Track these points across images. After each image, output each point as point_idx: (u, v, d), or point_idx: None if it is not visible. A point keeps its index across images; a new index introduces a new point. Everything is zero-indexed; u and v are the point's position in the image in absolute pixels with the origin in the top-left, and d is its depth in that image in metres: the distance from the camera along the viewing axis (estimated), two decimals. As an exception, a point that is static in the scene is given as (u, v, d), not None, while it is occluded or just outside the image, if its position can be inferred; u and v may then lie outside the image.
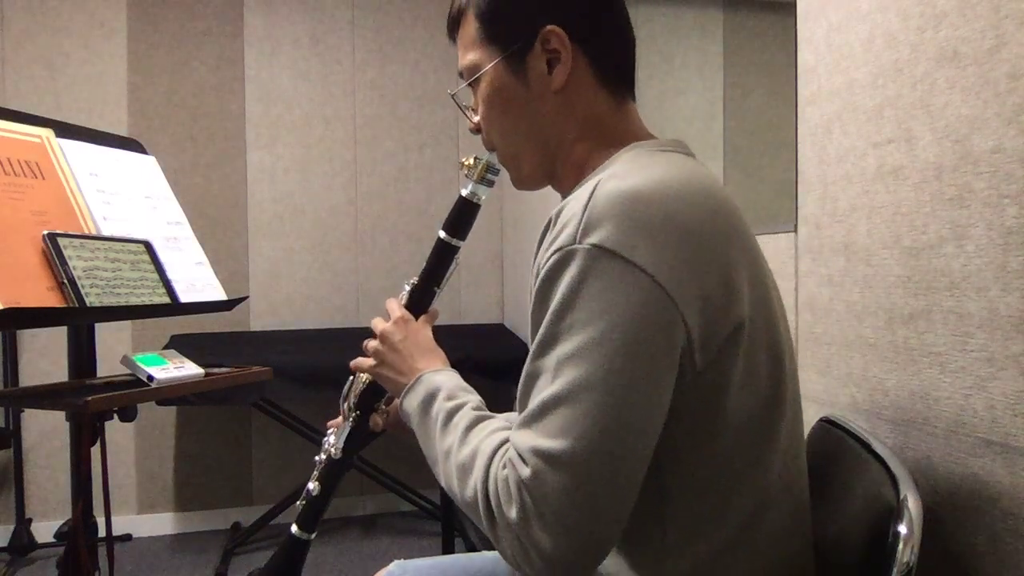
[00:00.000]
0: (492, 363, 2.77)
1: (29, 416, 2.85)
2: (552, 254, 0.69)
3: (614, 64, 0.85)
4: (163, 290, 1.36)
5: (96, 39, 2.96)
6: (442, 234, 1.00)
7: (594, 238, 0.66)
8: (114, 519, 1.53)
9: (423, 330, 0.98)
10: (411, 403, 0.87)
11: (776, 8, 1.38)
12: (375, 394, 1.02)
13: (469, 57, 0.87)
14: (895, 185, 0.99)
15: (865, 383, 1.06)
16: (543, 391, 0.67)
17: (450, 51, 3.37)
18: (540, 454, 0.64)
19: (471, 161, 0.97)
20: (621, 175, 0.71)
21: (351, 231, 3.26)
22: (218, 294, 1.51)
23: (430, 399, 0.84)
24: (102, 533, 1.32)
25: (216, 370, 1.43)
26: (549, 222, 0.74)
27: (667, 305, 0.65)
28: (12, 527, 2.76)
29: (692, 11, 2.01)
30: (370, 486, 3.15)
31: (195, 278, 1.47)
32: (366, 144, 3.27)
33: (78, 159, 1.37)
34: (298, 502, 1.06)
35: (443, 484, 0.78)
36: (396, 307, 0.99)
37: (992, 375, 0.83)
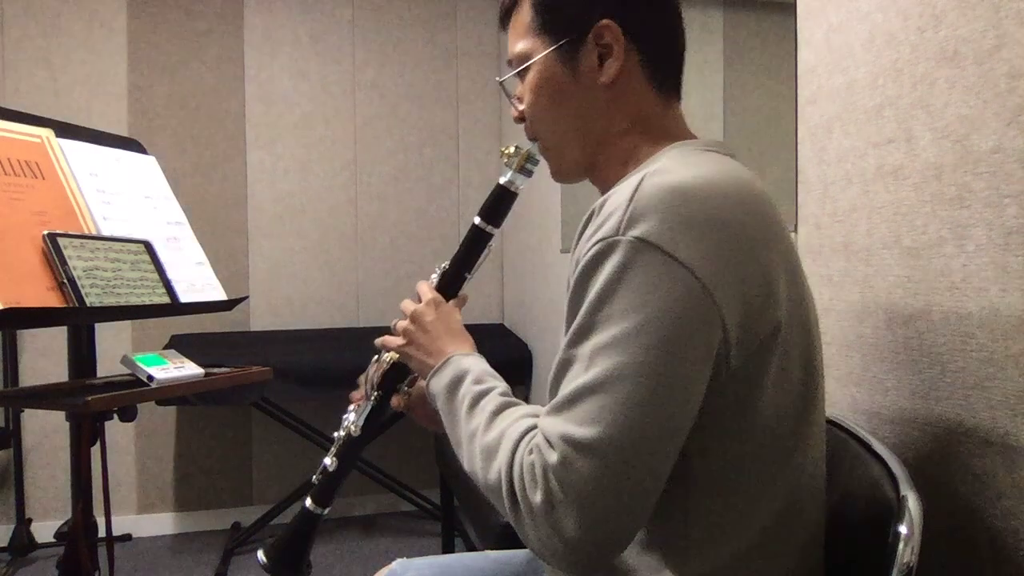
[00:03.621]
0: (492, 363, 2.75)
1: (29, 416, 2.85)
2: (594, 244, 0.69)
3: (664, 62, 0.86)
4: (163, 290, 1.36)
5: (96, 39, 2.95)
6: (477, 220, 1.00)
7: (637, 231, 0.66)
8: (114, 519, 1.53)
9: (454, 313, 0.98)
10: (438, 384, 0.87)
11: (776, 8, 1.38)
12: (399, 375, 1.02)
13: (520, 45, 0.87)
14: (895, 185, 0.99)
15: (865, 383, 1.06)
16: (576, 379, 0.67)
17: (450, 51, 3.37)
18: (569, 440, 0.64)
19: (511, 150, 0.97)
20: (667, 170, 0.71)
21: (351, 231, 3.26)
22: (218, 294, 1.51)
23: (457, 381, 0.85)
24: (102, 533, 1.32)
25: (216, 370, 1.43)
26: (592, 213, 0.74)
27: (707, 303, 0.65)
28: (12, 527, 2.76)
29: (692, 11, 2.01)
30: (370, 486, 3.15)
31: (195, 278, 1.47)
32: (366, 144, 3.27)
33: (78, 159, 1.37)
34: (314, 477, 1.06)
35: (466, 467, 0.79)
36: (427, 289, 0.99)
37: (992, 375, 0.83)
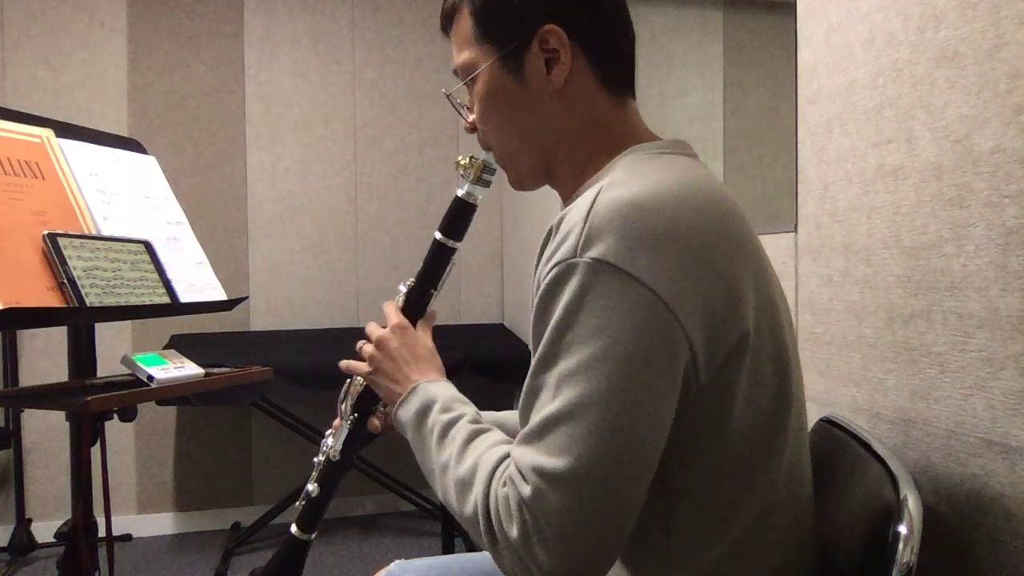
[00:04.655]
0: (492, 363, 2.77)
1: (29, 416, 2.85)
2: (553, 267, 0.67)
3: (614, 63, 0.83)
4: (163, 290, 1.36)
5: (96, 39, 2.96)
6: (438, 235, 0.98)
7: (595, 251, 0.65)
8: (114, 519, 1.53)
9: (420, 337, 0.96)
10: (406, 414, 0.86)
11: (776, 8, 1.38)
12: (373, 396, 1.01)
13: (464, 55, 0.85)
14: (895, 185, 0.99)
15: (865, 383, 1.06)
16: (544, 408, 0.66)
17: (451, 51, 3.37)
18: (540, 472, 0.64)
19: (467, 161, 0.95)
20: (621, 182, 0.69)
21: (351, 231, 3.26)
22: (218, 294, 1.51)
23: (425, 410, 0.83)
24: (102, 533, 1.32)
25: (216, 370, 1.43)
26: (550, 231, 0.73)
27: (669, 321, 0.64)
28: (12, 527, 2.76)
29: (692, 11, 2.01)
30: (370, 486, 3.15)
31: (195, 278, 1.47)
32: (366, 144, 3.27)
33: (78, 159, 1.37)
34: (297, 503, 1.06)
35: (440, 497, 0.78)
36: (393, 312, 0.97)
37: (992, 375, 0.83)
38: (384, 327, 0.96)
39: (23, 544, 2.71)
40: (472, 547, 2.57)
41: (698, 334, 0.66)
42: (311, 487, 1.04)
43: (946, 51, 0.89)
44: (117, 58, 2.98)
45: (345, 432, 1.02)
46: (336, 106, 3.23)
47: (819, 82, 1.17)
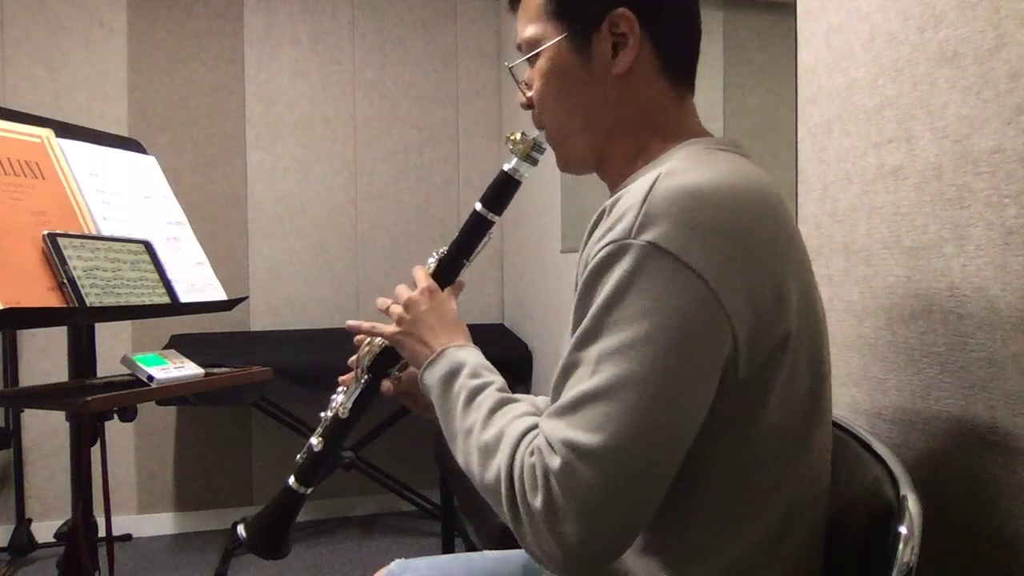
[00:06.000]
0: (492, 363, 2.76)
1: (29, 416, 2.85)
2: (605, 246, 0.67)
3: (680, 55, 0.82)
4: (163, 290, 1.36)
5: (96, 39, 2.95)
6: (478, 207, 0.98)
7: (650, 235, 0.64)
8: (114, 519, 1.53)
9: (448, 302, 0.96)
10: (432, 376, 0.86)
11: (776, 8, 1.38)
12: (390, 359, 1.00)
13: (531, 30, 0.84)
14: (895, 185, 0.99)
15: (865, 383, 1.06)
16: (581, 383, 0.66)
17: (450, 51, 3.37)
18: (572, 446, 0.63)
19: (517, 136, 0.94)
20: (681, 171, 0.69)
21: (351, 231, 3.26)
22: (218, 294, 1.51)
23: (453, 374, 0.83)
24: (102, 533, 1.32)
25: (216, 370, 1.43)
26: (602, 212, 0.72)
27: (717, 312, 0.64)
28: (12, 527, 2.76)
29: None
30: (370, 486, 3.15)
31: (195, 278, 1.47)
32: (366, 144, 3.27)
33: (78, 159, 1.37)
34: (299, 456, 1.04)
35: (460, 462, 0.77)
36: (423, 276, 0.97)
37: (992, 375, 0.83)
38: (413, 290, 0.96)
39: (23, 544, 2.71)
40: (472, 547, 2.57)
41: (743, 329, 0.66)
42: (315, 441, 1.02)
43: (946, 51, 0.89)
44: (117, 58, 2.98)
45: (358, 391, 1.01)
46: (336, 106, 3.23)
47: (819, 82, 1.17)
